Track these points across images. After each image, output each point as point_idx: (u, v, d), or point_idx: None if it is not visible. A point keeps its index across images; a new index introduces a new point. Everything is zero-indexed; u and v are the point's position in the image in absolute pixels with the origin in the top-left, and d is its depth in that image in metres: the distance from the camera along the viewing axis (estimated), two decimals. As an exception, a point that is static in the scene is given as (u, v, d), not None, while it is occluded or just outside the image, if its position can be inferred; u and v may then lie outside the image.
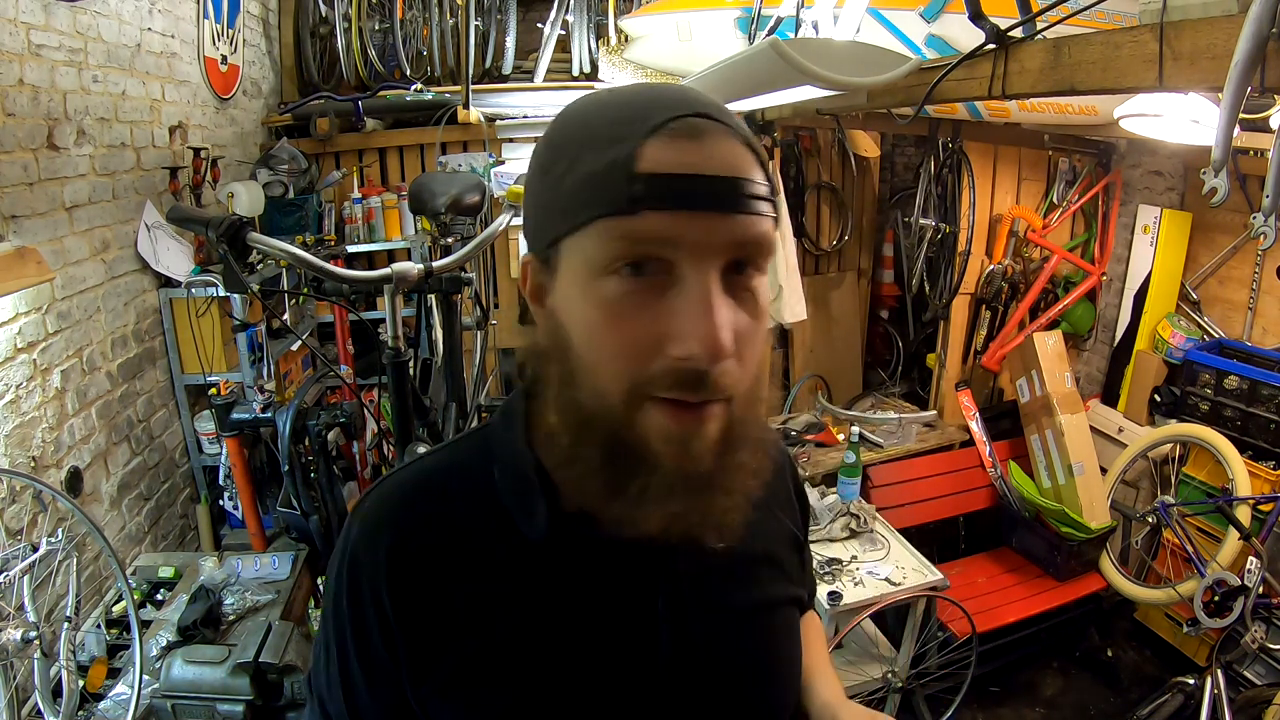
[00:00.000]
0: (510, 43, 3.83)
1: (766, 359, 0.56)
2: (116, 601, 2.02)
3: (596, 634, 0.60)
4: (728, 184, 0.50)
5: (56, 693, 1.68)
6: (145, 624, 1.89)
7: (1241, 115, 1.02)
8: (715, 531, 0.55)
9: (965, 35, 2.10)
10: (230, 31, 3.09)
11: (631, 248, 0.50)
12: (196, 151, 2.71)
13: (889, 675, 2.45)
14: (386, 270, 1.61)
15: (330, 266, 1.61)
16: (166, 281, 2.53)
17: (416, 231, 3.39)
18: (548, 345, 0.56)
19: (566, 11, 3.72)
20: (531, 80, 3.79)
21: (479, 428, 0.68)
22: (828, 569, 2.36)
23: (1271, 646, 2.22)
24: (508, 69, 3.87)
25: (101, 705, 1.68)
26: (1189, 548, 2.61)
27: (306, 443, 2.11)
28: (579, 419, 0.54)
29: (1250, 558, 2.32)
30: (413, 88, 3.55)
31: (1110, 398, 3.46)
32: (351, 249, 3.35)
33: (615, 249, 0.50)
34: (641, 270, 0.50)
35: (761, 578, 0.70)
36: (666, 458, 0.52)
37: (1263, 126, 1.86)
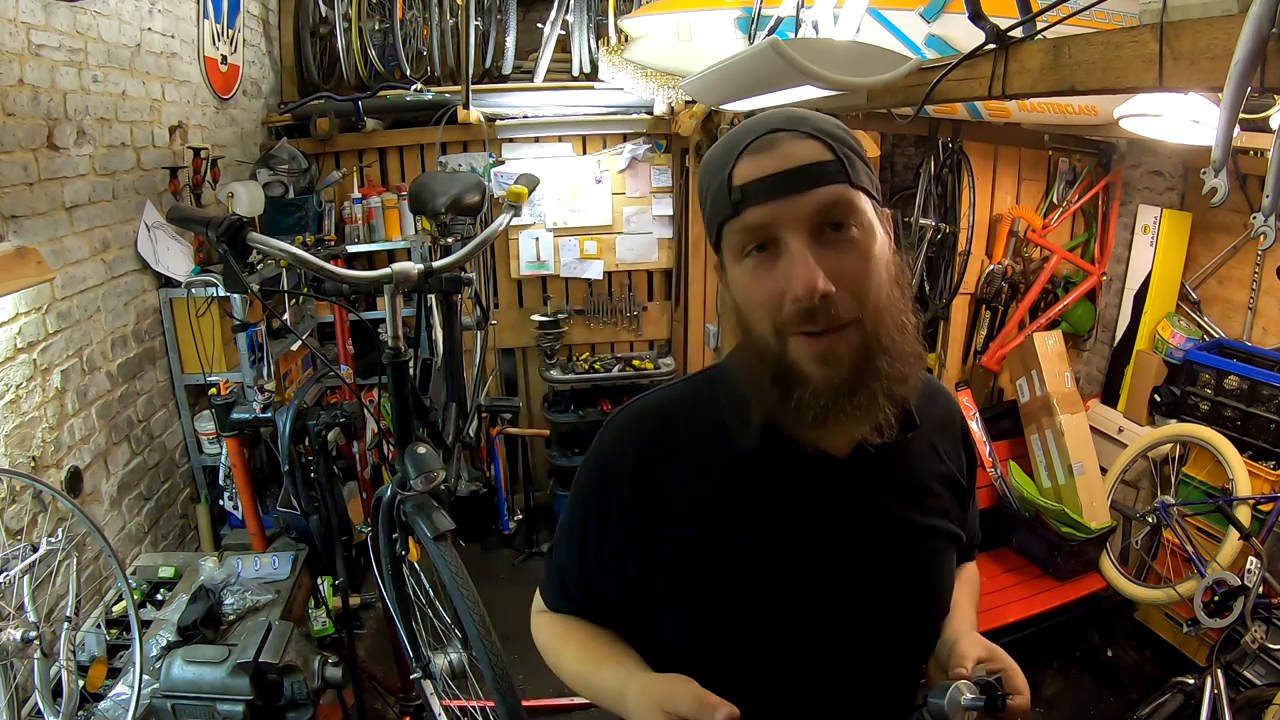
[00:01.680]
0: (510, 43, 3.82)
1: (893, 285, 0.66)
2: (116, 601, 2.02)
3: (786, 530, 0.78)
4: (795, 173, 0.69)
5: (56, 693, 1.67)
6: (145, 624, 1.90)
7: (1241, 115, 1.02)
8: (868, 424, 0.73)
9: (965, 35, 2.09)
10: (230, 31, 3.09)
11: (748, 236, 0.72)
12: (196, 151, 2.71)
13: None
14: (386, 270, 1.61)
15: (330, 266, 1.61)
16: (166, 281, 2.53)
17: (416, 231, 3.38)
18: (733, 307, 0.78)
19: (566, 11, 3.71)
20: (531, 80, 3.78)
21: (709, 368, 0.88)
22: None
23: (1271, 646, 2.22)
24: (508, 69, 3.86)
25: (101, 705, 1.68)
26: (1189, 548, 2.61)
27: (306, 443, 2.11)
28: (753, 357, 0.75)
29: (1250, 558, 2.32)
30: (413, 88, 3.55)
31: (1110, 398, 3.46)
32: (351, 249, 3.35)
33: (740, 240, 0.73)
34: (762, 249, 0.72)
35: (922, 505, 0.84)
36: (813, 375, 0.71)
37: (1263, 126, 1.85)
